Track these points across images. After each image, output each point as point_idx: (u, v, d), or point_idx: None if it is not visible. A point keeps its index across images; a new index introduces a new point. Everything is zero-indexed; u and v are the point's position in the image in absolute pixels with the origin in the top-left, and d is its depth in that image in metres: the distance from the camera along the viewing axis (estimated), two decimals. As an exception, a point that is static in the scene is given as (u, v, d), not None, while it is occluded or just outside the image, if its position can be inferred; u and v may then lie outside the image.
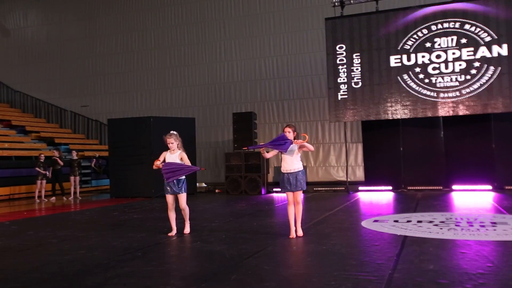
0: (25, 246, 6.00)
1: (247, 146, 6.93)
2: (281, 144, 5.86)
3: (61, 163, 13.46)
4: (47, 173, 13.04)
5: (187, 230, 6.52)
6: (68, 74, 19.73)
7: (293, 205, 5.97)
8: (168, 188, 6.33)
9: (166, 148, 6.42)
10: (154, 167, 6.35)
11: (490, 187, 12.04)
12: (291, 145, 5.88)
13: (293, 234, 5.93)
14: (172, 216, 6.43)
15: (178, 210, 6.45)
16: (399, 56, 12.54)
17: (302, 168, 6.00)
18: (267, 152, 6.02)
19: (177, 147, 6.34)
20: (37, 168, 12.86)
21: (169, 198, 6.38)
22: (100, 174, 16.34)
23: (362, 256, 4.89)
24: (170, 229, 6.47)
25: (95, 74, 19.34)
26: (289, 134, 5.91)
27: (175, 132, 6.41)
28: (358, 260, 4.66)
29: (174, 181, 6.27)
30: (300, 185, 5.91)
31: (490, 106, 11.79)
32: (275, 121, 16.38)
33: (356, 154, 15.26)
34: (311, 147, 5.98)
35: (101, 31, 19.36)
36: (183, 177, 6.33)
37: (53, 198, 13.31)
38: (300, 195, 5.97)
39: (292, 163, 5.93)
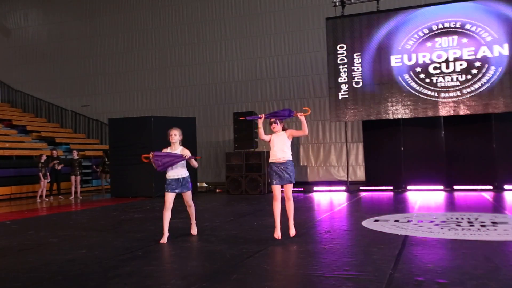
0: (25, 245, 6.01)
1: (245, 117, 6.58)
2: (283, 115, 5.62)
3: (58, 167, 13.40)
4: (48, 177, 13.03)
5: (194, 231, 6.34)
6: (69, 73, 19.72)
7: (279, 201, 5.57)
8: (172, 186, 5.93)
9: (167, 146, 6.31)
10: (144, 157, 5.93)
11: (491, 187, 12.02)
12: (282, 132, 5.61)
13: (278, 234, 5.59)
14: (167, 216, 5.93)
15: (173, 211, 6.12)
16: (399, 56, 12.52)
17: (291, 158, 5.62)
18: (264, 133, 5.70)
19: (179, 142, 6.08)
20: (40, 174, 12.86)
21: (169, 196, 5.92)
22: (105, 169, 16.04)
23: (363, 256, 4.88)
24: (162, 233, 5.92)
25: (96, 73, 19.34)
26: (276, 125, 5.66)
27: (179, 128, 6.22)
28: (358, 260, 4.66)
29: (180, 179, 5.95)
30: (290, 178, 5.53)
31: (491, 106, 11.77)
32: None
33: (356, 154, 15.24)
34: (305, 129, 5.59)
35: (101, 31, 19.36)
36: (187, 174, 6.06)
37: (52, 197, 13.32)
38: (291, 189, 5.56)
39: (282, 150, 5.55)
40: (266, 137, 5.75)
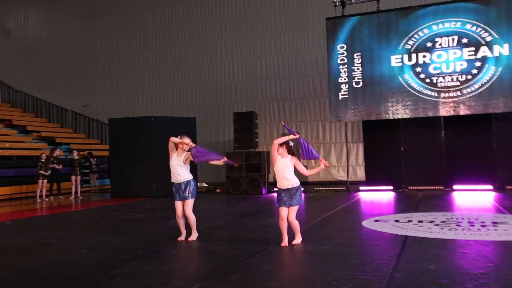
0: (26, 245, 6.01)
1: (285, 124, 6.21)
2: (309, 153, 5.66)
3: (58, 166, 13.39)
4: (48, 172, 13.01)
5: (193, 237, 6.01)
6: (69, 73, 19.72)
7: (285, 221, 5.47)
8: (177, 194, 5.96)
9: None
10: (181, 145, 5.85)
11: (491, 187, 12.02)
12: (286, 160, 5.47)
13: (285, 243, 5.44)
14: (181, 222, 6.02)
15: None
16: (400, 56, 12.52)
17: (297, 183, 5.52)
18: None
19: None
20: (40, 171, 12.84)
21: (178, 204, 5.96)
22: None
23: (363, 256, 4.88)
24: (179, 232, 6.07)
25: (96, 73, 19.34)
26: (283, 150, 5.49)
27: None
28: (359, 260, 4.66)
29: (182, 186, 5.91)
30: (292, 202, 5.42)
31: (491, 106, 11.77)
32: (276, 120, 16.36)
33: (357, 154, 15.23)
34: (311, 174, 5.88)
35: (102, 31, 19.35)
36: (190, 178, 5.99)
37: (52, 197, 13.31)
38: (294, 213, 5.47)
39: (285, 178, 5.46)
40: (275, 154, 5.55)
